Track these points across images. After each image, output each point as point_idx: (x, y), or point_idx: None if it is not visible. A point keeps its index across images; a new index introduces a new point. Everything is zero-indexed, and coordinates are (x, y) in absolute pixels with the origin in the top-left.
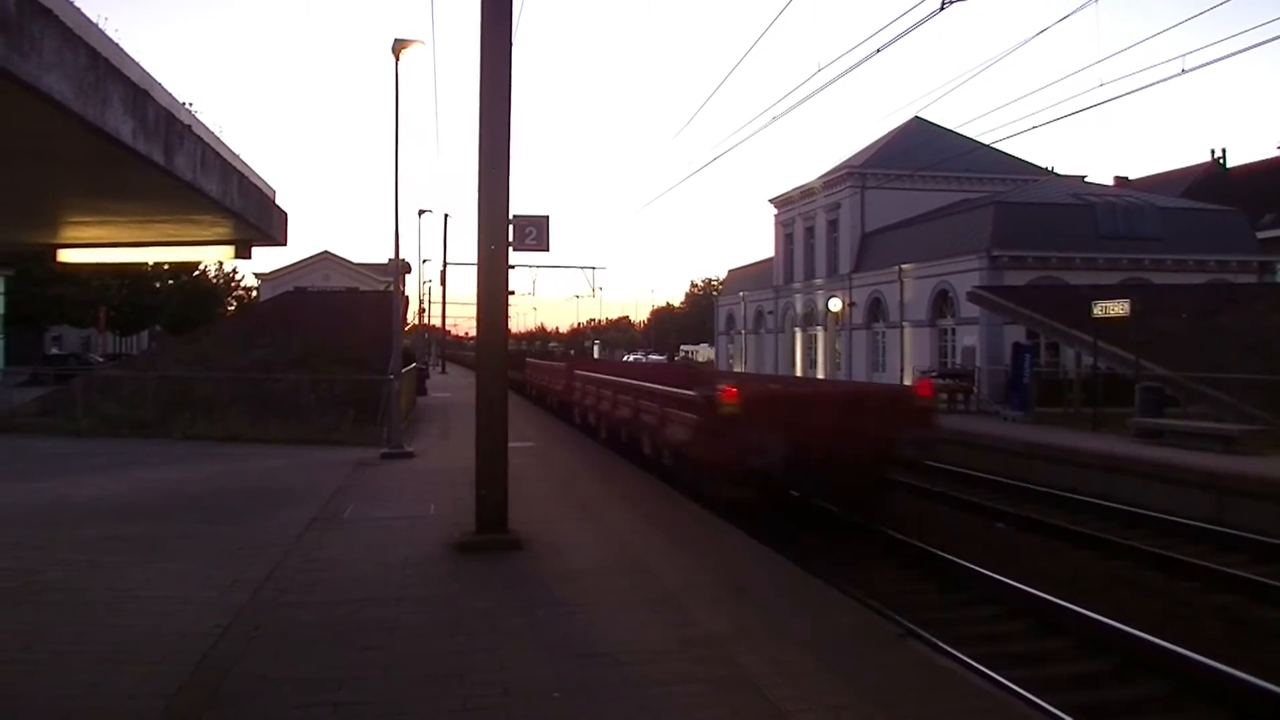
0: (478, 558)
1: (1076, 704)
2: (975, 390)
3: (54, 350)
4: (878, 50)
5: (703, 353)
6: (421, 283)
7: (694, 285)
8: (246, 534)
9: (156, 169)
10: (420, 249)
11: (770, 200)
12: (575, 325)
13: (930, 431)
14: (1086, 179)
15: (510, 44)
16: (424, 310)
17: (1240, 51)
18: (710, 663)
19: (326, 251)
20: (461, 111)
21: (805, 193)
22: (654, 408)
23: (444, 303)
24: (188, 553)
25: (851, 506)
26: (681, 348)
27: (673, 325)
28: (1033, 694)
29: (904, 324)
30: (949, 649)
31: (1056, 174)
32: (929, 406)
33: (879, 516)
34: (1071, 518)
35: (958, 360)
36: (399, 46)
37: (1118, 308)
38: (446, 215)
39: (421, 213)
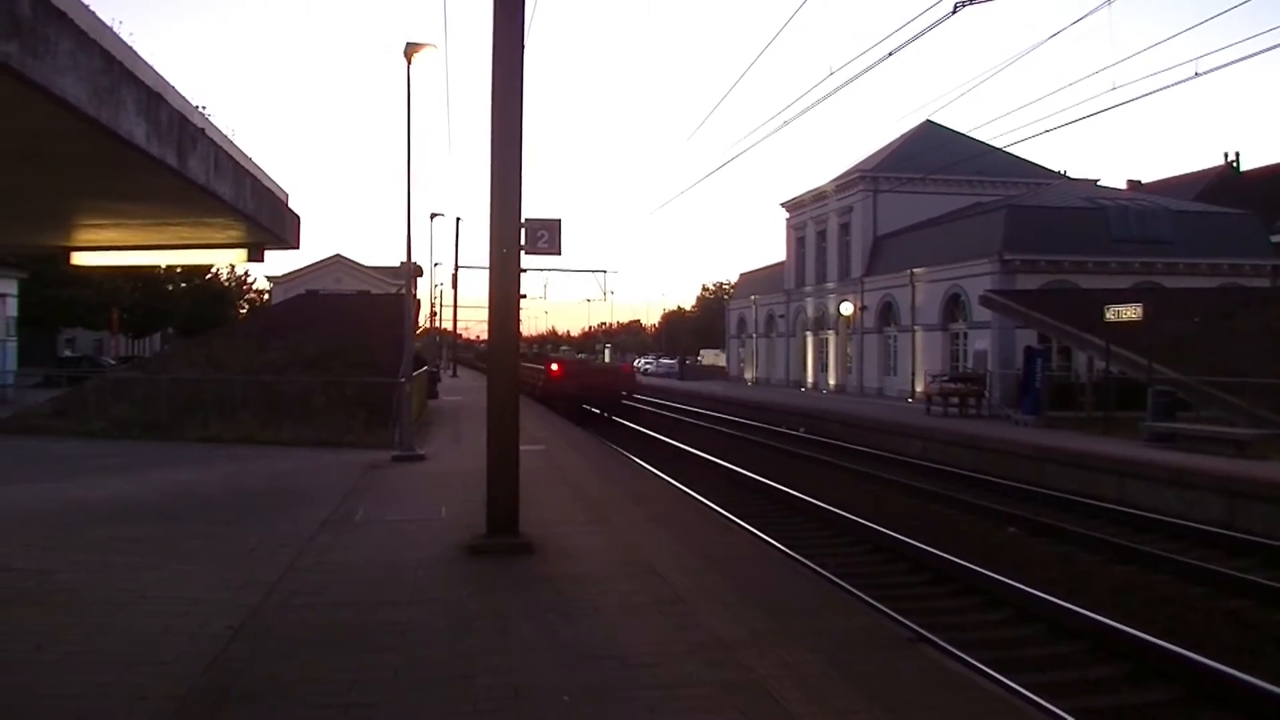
0: (489, 560)
1: (1087, 708)
2: (987, 394)
3: (67, 352)
4: (890, 54)
5: (709, 357)
6: (433, 286)
7: (705, 289)
8: (258, 536)
9: (170, 172)
10: (432, 252)
11: (782, 204)
12: (586, 329)
13: (634, 383)
14: (1099, 182)
15: (522, 48)
16: (435, 313)
17: (1254, 55)
18: (719, 666)
19: (338, 255)
20: (474, 114)
21: (817, 196)
22: (536, 374)
23: (455, 306)
24: (200, 554)
25: (606, 409)
26: (702, 352)
27: (684, 329)
28: (1043, 699)
29: (915, 328)
30: (958, 653)
31: (1069, 177)
32: (632, 373)
33: (618, 415)
34: (1082, 522)
35: (969, 364)
36: (411, 50)
37: (1130, 311)
38: (459, 219)
39: (434, 216)
